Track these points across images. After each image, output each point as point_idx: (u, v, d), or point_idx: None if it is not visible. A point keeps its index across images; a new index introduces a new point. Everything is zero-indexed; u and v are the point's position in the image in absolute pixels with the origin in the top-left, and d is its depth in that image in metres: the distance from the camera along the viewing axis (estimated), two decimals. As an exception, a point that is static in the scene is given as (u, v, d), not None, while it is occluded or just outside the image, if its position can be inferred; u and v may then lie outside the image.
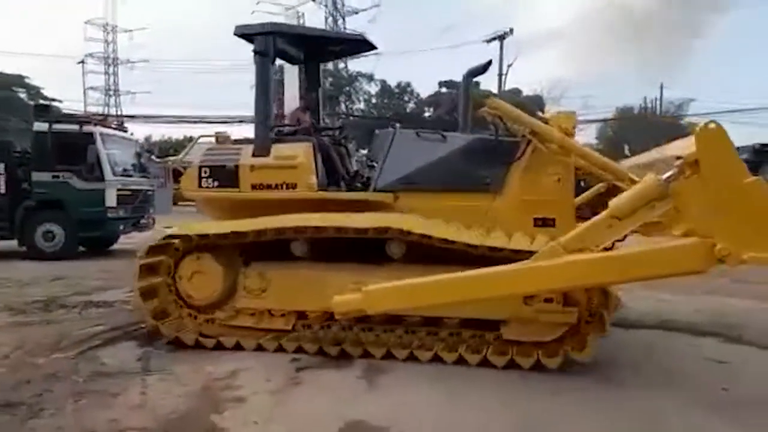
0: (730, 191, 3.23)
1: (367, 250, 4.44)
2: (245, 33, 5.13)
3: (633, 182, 4.01)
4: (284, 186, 4.84)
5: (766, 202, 3.19)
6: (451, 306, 4.02)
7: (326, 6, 36.50)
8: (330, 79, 34.53)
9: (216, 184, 4.97)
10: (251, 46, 5.11)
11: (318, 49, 5.90)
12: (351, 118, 34.53)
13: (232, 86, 73.04)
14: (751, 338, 4.93)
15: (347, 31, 5.78)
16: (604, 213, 3.53)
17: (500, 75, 22.22)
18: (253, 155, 4.95)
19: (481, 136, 5.15)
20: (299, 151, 4.91)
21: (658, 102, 34.96)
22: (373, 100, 35.04)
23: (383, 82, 34.30)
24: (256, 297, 4.68)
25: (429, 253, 4.20)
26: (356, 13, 37.27)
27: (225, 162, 4.97)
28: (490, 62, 5.41)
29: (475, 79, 5.65)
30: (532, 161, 4.57)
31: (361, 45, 5.96)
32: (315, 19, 42.23)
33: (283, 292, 4.62)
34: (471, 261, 3.91)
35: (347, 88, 34.43)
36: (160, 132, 39.14)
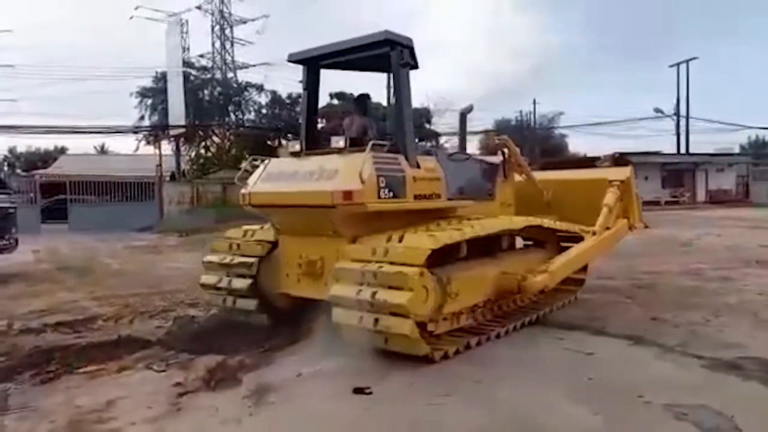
0: (631, 195, 7.02)
1: (484, 246, 5.30)
2: (394, 41, 4.98)
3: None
4: (433, 196, 5.16)
5: (637, 200, 7.23)
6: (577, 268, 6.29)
7: (212, 14, 35.38)
8: (218, 89, 33.47)
9: (391, 194, 4.75)
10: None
11: None
12: (241, 128, 33.67)
13: (104, 95, 68.31)
14: (613, 330, 5.42)
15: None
16: (605, 209, 6.51)
17: (388, 88, 22.76)
18: (410, 166, 4.98)
19: (485, 158, 6.98)
20: (434, 164, 5.29)
21: (532, 115, 37.85)
22: (264, 111, 34.38)
23: (274, 93, 33.83)
24: (454, 300, 4.76)
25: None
26: (244, 22, 36.46)
27: (396, 173, 4.82)
28: (472, 105, 6.93)
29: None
30: (507, 177, 6.65)
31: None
32: (200, 27, 40.85)
33: (467, 290, 4.91)
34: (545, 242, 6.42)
35: (237, 98, 33.53)
36: (25, 143, 35.74)
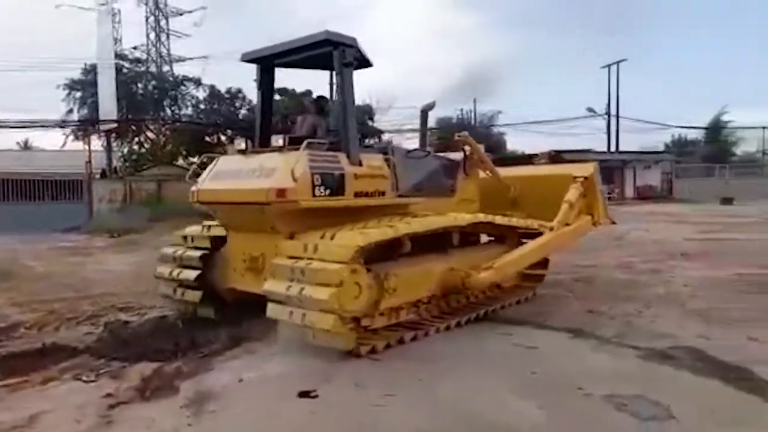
0: (595, 192, 7.05)
1: (434, 242, 5.40)
2: (335, 41, 5.02)
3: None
4: (377, 193, 5.18)
5: (602, 198, 7.24)
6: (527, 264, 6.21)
7: (146, 5, 33.89)
8: (153, 83, 32.14)
9: (328, 192, 4.80)
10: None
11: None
12: (177, 123, 32.50)
13: (28, 87, 64.37)
14: (555, 324, 5.55)
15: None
16: (566, 205, 6.53)
17: (331, 84, 22.55)
18: (351, 164, 5.01)
19: (446, 155, 6.90)
20: (379, 162, 5.31)
21: (472, 113, 38.62)
22: (202, 106, 33.31)
23: (212, 87, 32.78)
24: (392, 296, 4.84)
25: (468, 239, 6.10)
26: (180, 14, 35.14)
27: (334, 171, 4.87)
28: (434, 102, 7.08)
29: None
30: (470, 174, 6.78)
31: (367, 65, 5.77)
32: (133, 17, 39.20)
33: (406, 286, 4.98)
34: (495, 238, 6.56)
35: (172, 92, 32.31)
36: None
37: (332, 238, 4.48)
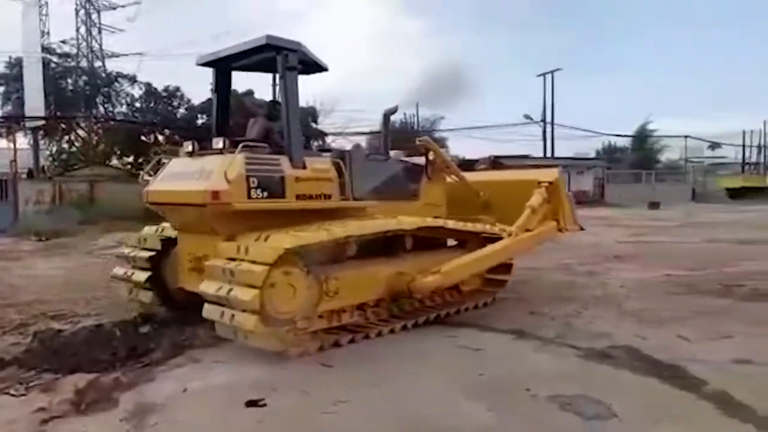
0: (560, 197, 7.01)
1: (380, 246, 5.50)
2: (277, 45, 5.08)
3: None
4: (322, 196, 5.16)
5: (572, 204, 7.29)
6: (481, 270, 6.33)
7: (76, -4, 32.29)
8: (84, 78, 30.63)
9: (266, 194, 4.79)
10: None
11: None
12: (111, 122, 31.12)
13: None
14: (499, 326, 5.67)
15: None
16: (527, 211, 6.53)
17: (273, 86, 22.14)
18: (293, 167, 5.00)
19: (408, 160, 6.86)
20: (326, 165, 5.30)
21: (415, 118, 39.08)
22: (137, 104, 32.03)
23: (148, 85, 31.57)
24: (332, 299, 4.92)
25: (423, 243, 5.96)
26: (113, 8, 33.71)
27: (272, 173, 4.89)
28: (397, 106, 6.88)
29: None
30: (434, 178, 6.76)
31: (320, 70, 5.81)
32: (62, 10, 37.29)
33: (349, 289, 5.05)
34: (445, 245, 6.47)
35: (105, 89, 30.90)
36: None
37: (266, 239, 4.50)
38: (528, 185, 6.90)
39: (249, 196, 4.70)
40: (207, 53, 5.70)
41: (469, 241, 6.45)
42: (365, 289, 5.27)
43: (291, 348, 4.56)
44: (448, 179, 7.05)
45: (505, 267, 6.69)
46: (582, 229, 7.57)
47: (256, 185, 4.74)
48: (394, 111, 6.80)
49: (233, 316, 4.30)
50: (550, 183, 6.87)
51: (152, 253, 5.72)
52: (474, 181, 7.21)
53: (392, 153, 6.75)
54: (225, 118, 6.03)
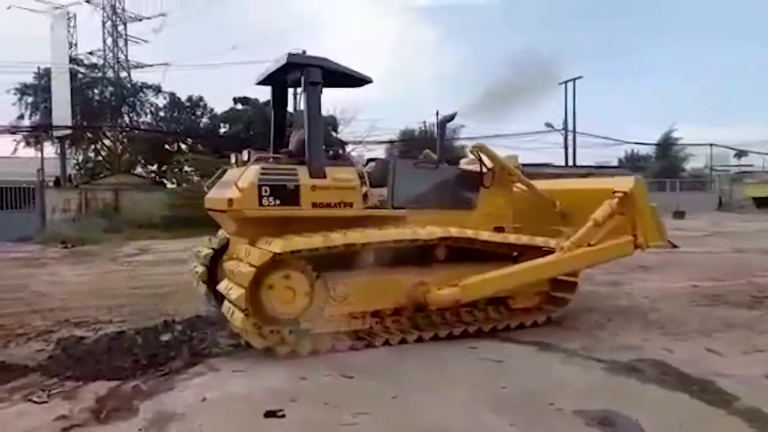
0: (638, 209, 6.12)
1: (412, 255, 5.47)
2: (298, 63, 5.35)
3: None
4: (342, 205, 5.26)
5: (657, 217, 6.30)
6: (512, 288, 5.79)
7: (103, 9, 32.98)
8: (110, 89, 31.23)
9: (278, 202, 5.04)
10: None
11: (328, 79, 5.71)
12: (136, 131, 31.65)
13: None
14: (520, 337, 5.57)
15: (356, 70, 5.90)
16: (590, 223, 5.83)
17: (295, 96, 22.41)
18: (311, 176, 5.18)
19: (463, 168, 6.52)
20: (349, 174, 5.38)
21: (435, 127, 38.94)
22: (161, 114, 32.53)
23: (172, 95, 32.05)
24: (342, 304, 5.16)
25: (460, 254, 5.67)
26: (139, 20, 34.36)
27: (287, 182, 5.11)
28: (456, 113, 6.47)
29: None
30: (494, 187, 6.33)
31: (363, 83, 6.03)
32: (90, 21, 38.17)
33: (361, 296, 5.22)
34: (489, 258, 5.78)
35: (131, 99, 31.46)
36: None
37: (269, 244, 4.78)
38: (606, 194, 6.15)
39: (261, 204, 4.96)
40: (259, 73, 6.02)
41: (525, 255, 5.96)
42: (381, 296, 5.32)
43: (277, 348, 4.85)
44: (517, 189, 6.63)
45: (570, 285, 6.17)
46: (674, 246, 6.69)
47: (269, 193, 4.98)
48: (451, 118, 6.55)
49: (233, 313, 4.78)
50: (625, 193, 6.07)
51: (211, 252, 6.33)
52: (546, 190, 6.72)
53: (464, 161, 6.59)
54: (280, 132, 6.38)
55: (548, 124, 39.04)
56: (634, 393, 4.03)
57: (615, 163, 47.05)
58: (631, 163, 47.52)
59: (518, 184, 6.60)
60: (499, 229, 6.13)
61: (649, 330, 5.85)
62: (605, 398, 3.87)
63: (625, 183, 6.25)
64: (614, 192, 6.08)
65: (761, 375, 4.35)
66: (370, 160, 6.81)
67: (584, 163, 38.44)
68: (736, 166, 54.34)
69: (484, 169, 6.31)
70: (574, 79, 36.93)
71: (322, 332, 5.03)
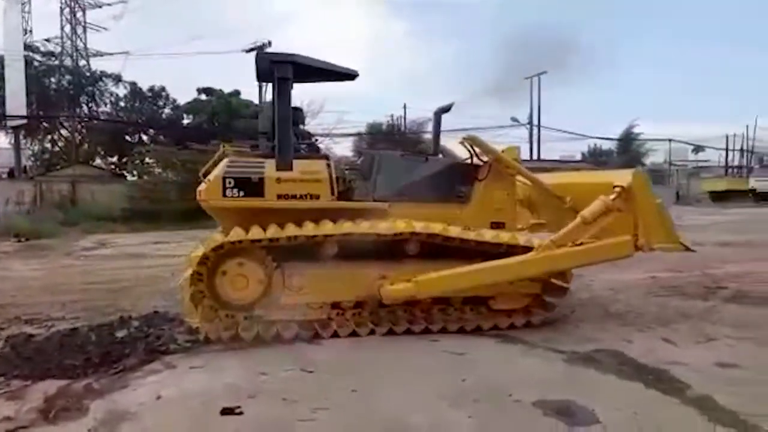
0: (638, 206, 5.45)
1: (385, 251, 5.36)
2: (273, 59, 5.53)
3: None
4: (308, 196, 5.29)
5: (663, 214, 5.54)
6: (475, 287, 5.36)
7: (62, -6, 31.81)
8: (68, 78, 30.19)
9: (242, 194, 5.20)
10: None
11: (305, 73, 5.83)
12: (95, 121, 30.72)
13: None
14: (481, 330, 5.57)
15: (338, 65, 5.64)
16: (577, 220, 5.32)
17: (259, 87, 21.93)
18: (278, 169, 5.26)
19: (455, 160, 6.26)
20: (318, 167, 5.39)
21: (402, 120, 39.00)
22: (122, 104, 31.63)
23: (133, 85, 31.17)
24: (296, 294, 5.24)
25: (434, 250, 5.38)
26: (99, 6, 33.32)
27: (251, 174, 5.23)
28: (453, 103, 6.41)
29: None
30: (491, 180, 5.94)
31: (347, 77, 6.05)
32: (46, 7, 36.81)
33: (316, 287, 5.26)
34: (469, 255, 5.37)
35: (90, 89, 30.48)
36: None
37: (227, 234, 5.08)
38: (605, 189, 5.56)
39: (224, 195, 5.16)
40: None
41: (519, 253, 5.44)
42: (336, 288, 5.31)
43: (209, 329, 5.02)
44: (520, 183, 6.24)
45: (561, 289, 5.77)
46: (687, 249, 5.80)
47: (232, 185, 5.16)
48: (447, 109, 6.34)
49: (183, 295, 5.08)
50: (622, 188, 5.46)
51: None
52: (554, 185, 6.24)
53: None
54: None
55: (513, 119, 39.52)
56: (593, 383, 4.09)
57: (578, 157, 47.99)
58: (594, 158, 48.48)
59: (519, 178, 6.17)
60: (498, 225, 5.85)
61: (609, 321, 5.96)
62: (564, 389, 3.90)
63: (622, 176, 5.64)
64: (614, 187, 5.50)
65: (712, 363, 4.47)
66: (360, 153, 6.93)
67: (549, 157, 39.08)
68: (694, 161, 56.11)
69: (479, 162, 6.05)
70: (539, 74, 37.42)
71: (276, 320, 5.14)
